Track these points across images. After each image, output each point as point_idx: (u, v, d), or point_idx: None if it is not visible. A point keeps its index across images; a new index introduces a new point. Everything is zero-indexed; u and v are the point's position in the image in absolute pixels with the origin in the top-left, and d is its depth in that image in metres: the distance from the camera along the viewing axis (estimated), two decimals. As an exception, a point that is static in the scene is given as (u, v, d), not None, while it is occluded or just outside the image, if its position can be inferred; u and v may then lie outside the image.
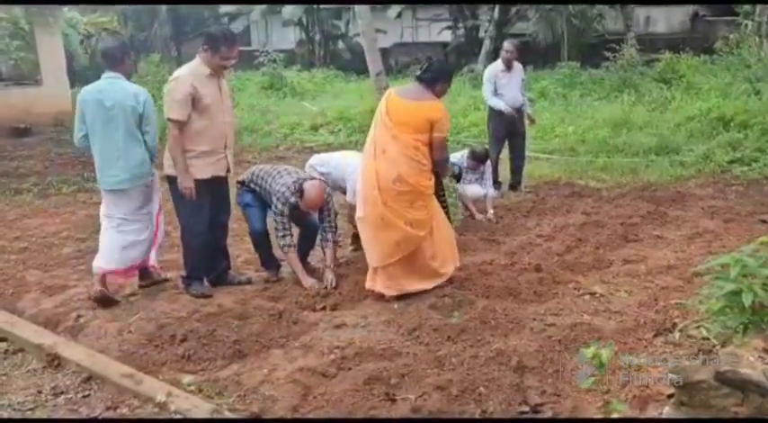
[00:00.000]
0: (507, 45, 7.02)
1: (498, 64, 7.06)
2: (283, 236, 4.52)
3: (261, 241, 4.74)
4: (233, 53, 4.26)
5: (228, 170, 4.47)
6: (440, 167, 4.28)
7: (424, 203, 4.15)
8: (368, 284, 4.26)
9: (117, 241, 4.34)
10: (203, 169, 4.27)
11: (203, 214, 4.34)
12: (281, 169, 4.72)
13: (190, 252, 4.44)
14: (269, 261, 4.79)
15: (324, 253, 4.69)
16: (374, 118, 4.24)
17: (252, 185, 4.72)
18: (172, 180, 4.32)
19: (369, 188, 4.10)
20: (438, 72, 4.17)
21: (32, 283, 4.83)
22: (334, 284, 4.44)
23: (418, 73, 4.19)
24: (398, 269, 4.17)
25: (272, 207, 4.54)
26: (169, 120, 4.17)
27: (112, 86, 4.20)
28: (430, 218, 4.21)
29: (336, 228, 4.78)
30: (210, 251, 4.49)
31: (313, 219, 4.77)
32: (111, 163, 4.23)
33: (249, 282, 4.64)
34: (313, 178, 4.68)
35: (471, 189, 6.23)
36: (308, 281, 4.48)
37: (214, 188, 4.38)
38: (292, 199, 4.49)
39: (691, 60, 13.63)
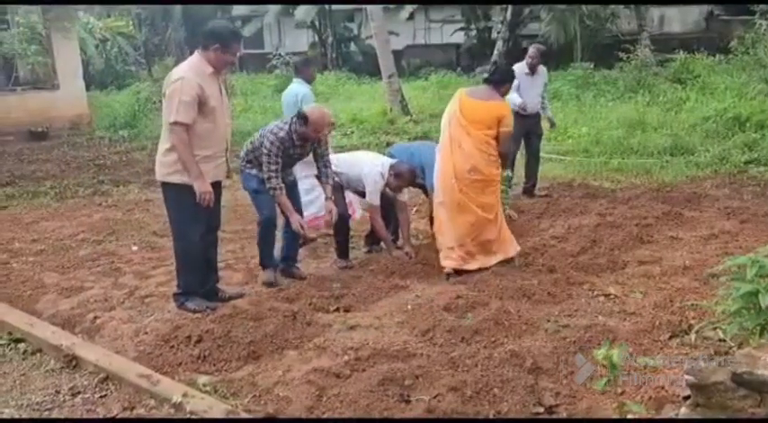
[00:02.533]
0: (531, 50, 7.00)
1: (523, 65, 7.01)
2: (271, 177, 4.43)
3: (267, 233, 4.67)
4: (239, 48, 4.11)
5: (228, 175, 4.32)
6: (503, 158, 4.79)
7: (493, 190, 4.74)
8: (444, 263, 4.71)
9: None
10: (205, 175, 4.03)
11: (200, 223, 4.12)
12: (262, 129, 4.69)
13: (184, 265, 4.21)
14: (268, 259, 4.72)
15: (324, 188, 4.78)
16: (446, 117, 4.74)
17: (249, 156, 4.60)
18: (167, 186, 4.11)
19: (446, 177, 4.65)
20: (504, 74, 4.83)
21: (50, 285, 4.89)
22: (336, 215, 4.64)
23: (486, 76, 4.86)
24: (474, 247, 4.69)
25: (263, 149, 4.43)
26: (175, 123, 3.89)
27: (291, 88, 5.85)
28: (497, 203, 4.81)
29: (330, 162, 4.83)
30: (203, 263, 4.29)
31: (297, 191, 4.81)
32: None
33: (241, 296, 4.40)
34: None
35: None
36: (296, 217, 4.53)
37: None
38: (281, 133, 4.44)
39: (706, 60, 13.53)
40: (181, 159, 3.96)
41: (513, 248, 4.89)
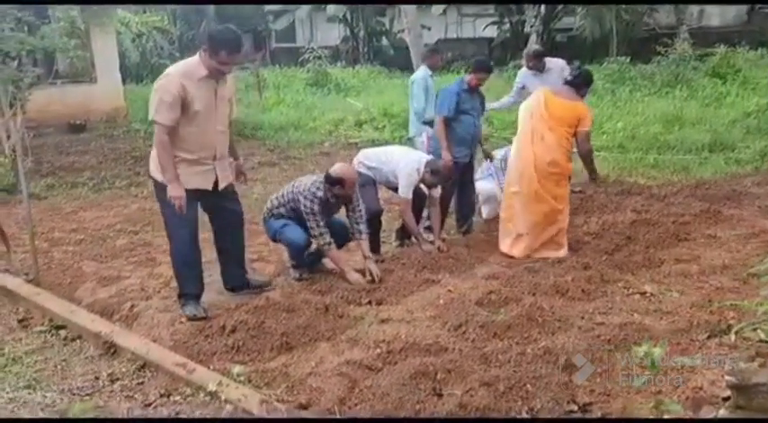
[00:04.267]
0: (525, 53, 6.81)
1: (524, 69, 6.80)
2: (321, 234, 4.45)
3: (299, 255, 4.65)
4: (233, 59, 3.84)
5: (216, 184, 4.06)
6: (585, 155, 5.13)
7: (566, 182, 5.07)
8: (505, 249, 5.04)
9: None
10: (186, 179, 3.87)
11: (189, 226, 3.98)
12: (294, 182, 4.71)
13: (177, 267, 4.12)
14: (300, 264, 4.76)
15: (360, 246, 4.67)
16: (525, 111, 5.04)
17: (275, 212, 4.64)
18: (157, 185, 3.98)
19: (526, 167, 4.92)
20: (585, 78, 5.10)
21: (89, 274, 5.02)
22: (379, 275, 4.46)
23: (569, 78, 5.13)
24: (543, 236, 4.96)
25: (302, 208, 4.45)
26: (154, 122, 3.78)
27: (415, 74, 6.62)
28: (567, 195, 5.11)
29: (365, 218, 4.76)
30: (199, 267, 4.17)
31: (336, 218, 4.75)
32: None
33: (268, 284, 4.43)
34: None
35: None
36: (354, 275, 4.50)
37: (208, 200, 4.02)
38: (319, 193, 4.45)
39: (747, 54, 13.18)
40: (158, 158, 3.84)
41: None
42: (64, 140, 11.54)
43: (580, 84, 5.03)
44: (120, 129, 12.58)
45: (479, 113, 5.69)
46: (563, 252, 4.98)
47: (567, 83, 5.09)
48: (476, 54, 20.82)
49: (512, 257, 4.97)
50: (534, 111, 4.94)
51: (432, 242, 5.23)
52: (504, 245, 5.08)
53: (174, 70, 3.83)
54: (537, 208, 4.91)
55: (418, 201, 5.20)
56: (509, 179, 5.13)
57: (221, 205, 4.17)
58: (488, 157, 6.02)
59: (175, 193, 3.80)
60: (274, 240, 4.77)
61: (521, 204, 4.97)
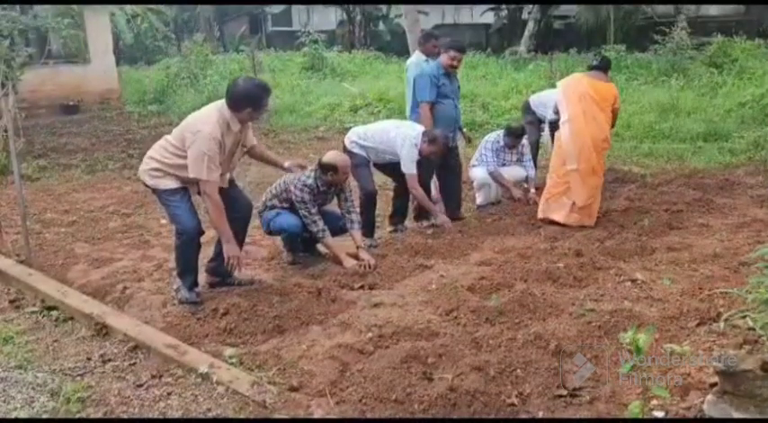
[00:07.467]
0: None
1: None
2: (314, 222, 4.46)
3: (293, 240, 4.64)
4: (257, 116, 3.97)
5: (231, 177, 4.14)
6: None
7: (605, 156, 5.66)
8: (561, 219, 5.37)
9: None
10: (186, 181, 3.92)
11: (189, 214, 3.97)
12: (284, 177, 4.69)
13: (180, 256, 4.08)
14: (293, 250, 4.75)
15: (353, 236, 4.65)
16: (575, 94, 5.38)
17: (269, 204, 4.64)
18: (157, 192, 4.01)
19: (584, 146, 5.33)
20: (608, 61, 5.73)
21: (81, 255, 5.01)
22: (372, 263, 4.46)
23: (595, 63, 5.60)
24: (595, 206, 5.42)
25: (294, 197, 4.46)
26: (207, 182, 3.74)
27: (412, 59, 6.45)
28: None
29: (357, 208, 4.76)
30: (197, 256, 4.11)
31: (328, 209, 4.73)
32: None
33: (251, 283, 4.27)
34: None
35: (512, 170, 6.16)
36: (349, 261, 4.49)
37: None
38: (309, 181, 4.45)
39: (744, 44, 13.15)
40: (213, 223, 3.90)
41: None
42: (56, 121, 11.48)
43: (606, 66, 5.60)
44: (114, 111, 12.53)
45: (458, 96, 5.71)
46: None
47: (594, 68, 5.53)
48: (473, 40, 20.79)
49: (508, 247, 4.97)
50: (582, 95, 5.36)
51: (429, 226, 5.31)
52: (560, 215, 5.38)
53: (216, 125, 3.78)
54: (592, 181, 5.36)
55: (404, 186, 5.21)
56: (565, 158, 5.37)
57: (232, 196, 4.12)
58: (468, 139, 6.01)
59: (232, 252, 3.89)
60: (269, 233, 4.74)
61: (579, 180, 5.33)
